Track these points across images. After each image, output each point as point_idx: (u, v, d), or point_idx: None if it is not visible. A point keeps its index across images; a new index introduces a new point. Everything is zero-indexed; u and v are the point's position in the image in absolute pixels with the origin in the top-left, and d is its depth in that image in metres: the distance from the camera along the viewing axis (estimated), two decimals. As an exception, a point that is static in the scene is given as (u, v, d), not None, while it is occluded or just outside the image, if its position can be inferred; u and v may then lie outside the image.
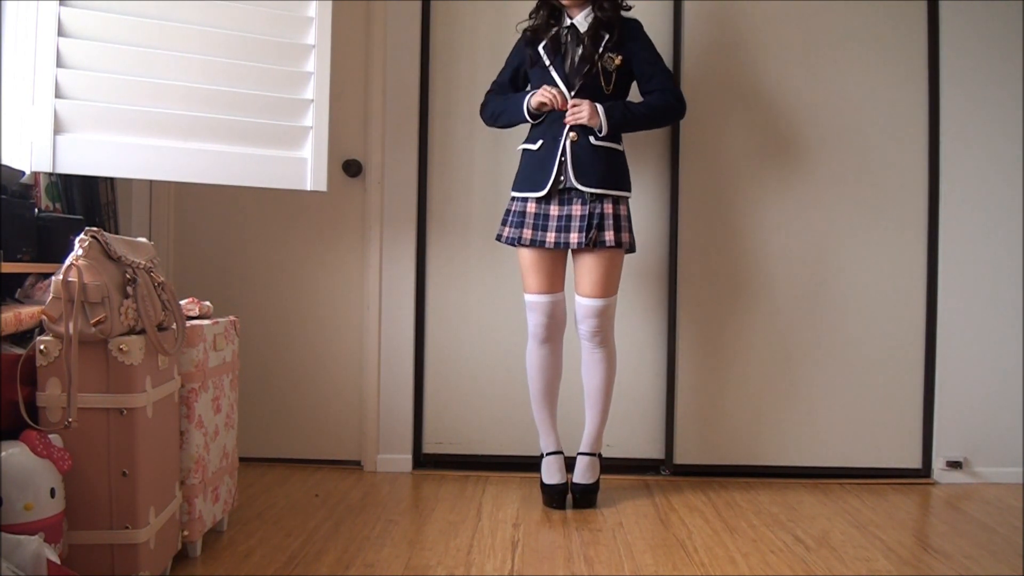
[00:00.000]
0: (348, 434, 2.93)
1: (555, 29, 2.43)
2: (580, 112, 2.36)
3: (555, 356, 2.51)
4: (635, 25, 2.48)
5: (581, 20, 2.43)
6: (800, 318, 2.85)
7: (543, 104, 2.39)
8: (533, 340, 2.50)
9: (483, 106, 2.61)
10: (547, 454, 2.53)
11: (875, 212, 2.85)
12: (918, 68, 2.85)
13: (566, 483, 2.50)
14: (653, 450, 2.88)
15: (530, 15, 2.48)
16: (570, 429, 2.61)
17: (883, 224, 2.85)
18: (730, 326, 2.86)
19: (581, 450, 2.53)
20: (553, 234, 2.41)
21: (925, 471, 2.85)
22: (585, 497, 2.48)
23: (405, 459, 2.87)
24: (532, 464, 2.72)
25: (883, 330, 2.85)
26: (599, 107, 2.37)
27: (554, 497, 2.47)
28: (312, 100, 2.36)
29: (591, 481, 2.50)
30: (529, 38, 2.47)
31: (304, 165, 2.36)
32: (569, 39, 2.42)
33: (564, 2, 2.42)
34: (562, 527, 2.31)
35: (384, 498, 2.56)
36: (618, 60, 2.41)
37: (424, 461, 2.91)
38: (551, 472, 2.50)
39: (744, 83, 2.85)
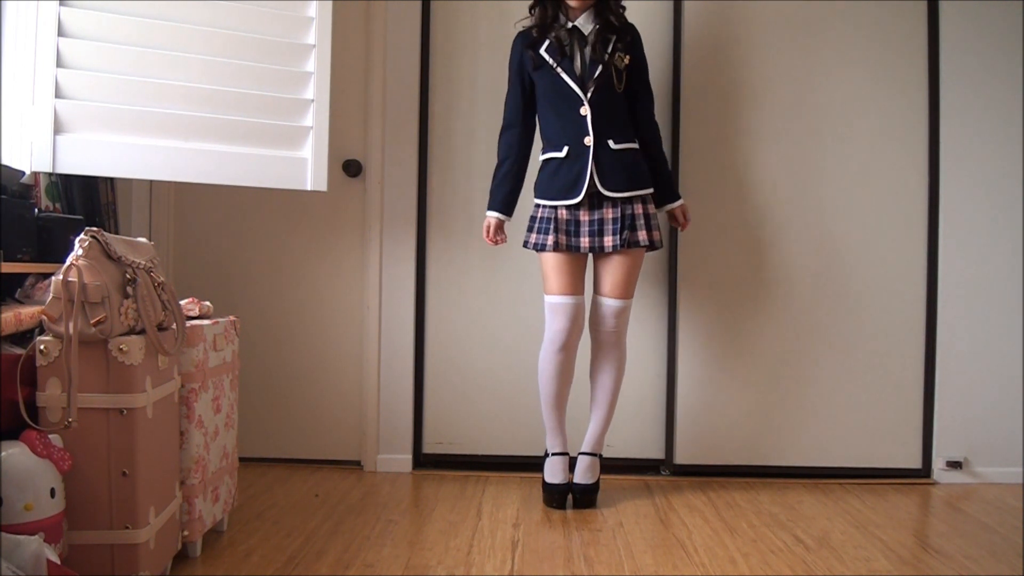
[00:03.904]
0: (348, 434, 2.93)
1: (556, 30, 2.41)
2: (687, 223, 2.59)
3: (570, 362, 2.47)
4: (636, 32, 2.48)
5: (583, 22, 2.41)
6: (800, 318, 2.85)
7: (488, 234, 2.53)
8: (551, 345, 2.45)
9: (500, 138, 2.54)
10: (552, 454, 2.52)
11: (875, 212, 2.85)
12: (918, 68, 2.85)
13: (568, 484, 2.50)
14: (653, 450, 2.88)
15: (530, 11, 2.47)
16: (570, 429, 2.61)
17: (883, 224, 2.85)
18: (730, 326, 2.86)
19: (582, 450, 2.53)
20: (587, 239, 2.40)
21: (925, 471, 2.85)
22: (585, 497, 2.48)
23: (405, 459, 2.87)
24: (532, 464, 2.73)
25: (883, 330, 2.85)
26: (679, 204, 2.56)
27: (555, 497, 2.47)
28: (312, 100, 2.36)
29: (591, 481, 2.50)
30: (530, 40, 2.44)
31: (304, 165, 2.36)
32: (572, 40, 2.41)
33: (572, 5, 2.39)
34: (562, 527, 2.31)
35: (384, 498, 2.56)
36: (627, 60, 2.41)
37: (424, 461, 2.91)
38: (554, 472, 2.50)
39: (744, 83, 2.85)
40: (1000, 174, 2.83)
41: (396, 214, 2.86)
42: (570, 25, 2.41)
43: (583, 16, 2.41)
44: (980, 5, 2.82)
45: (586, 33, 2.40)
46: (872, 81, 2.84)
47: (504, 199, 2.51)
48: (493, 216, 2.52)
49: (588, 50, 2.39)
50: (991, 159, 2.83)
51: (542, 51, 2.41)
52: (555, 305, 2.44)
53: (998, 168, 2.83)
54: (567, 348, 2.45)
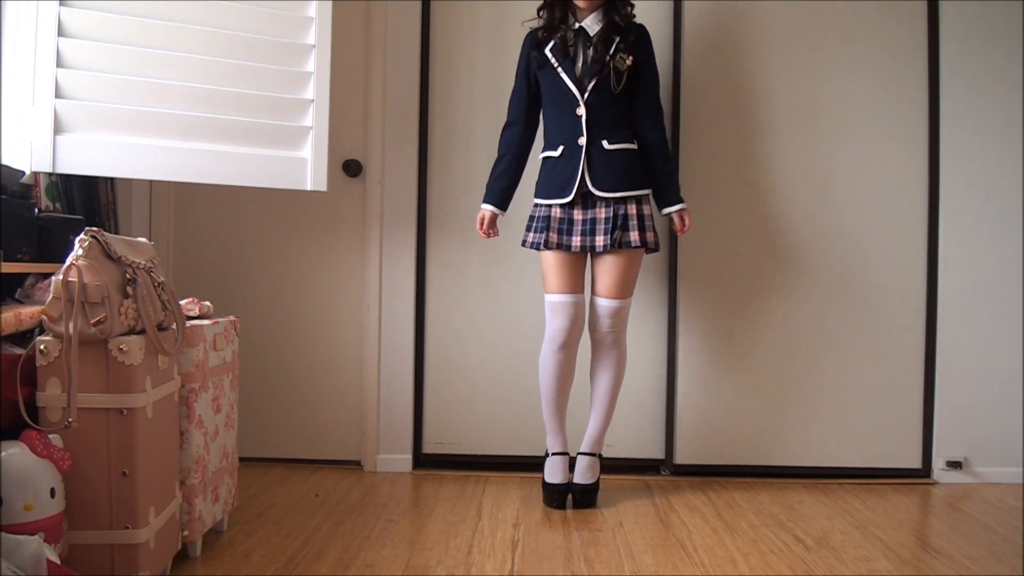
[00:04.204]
0: (348, 434, 2.93)
1: (563, 31, 2.41)
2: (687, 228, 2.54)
3: (570, 362, 2.47)
4: (644, 31, 2.47)
5: (590, 23, 2.41)
6: (800, 318, 2.85)
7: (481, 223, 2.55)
8: (551, 344, 2.46)
9: (501, 134, 2.56)
10: (552, 454, 2.52)
11: (875, 212, 2.85)
12: (918, 68, 2.85)
13: (568, 484, 2.49)
14: (653, 450, 2.88)
15: (538, 12, 2.47)
16: (570, 429, 2.61)
17: (883, 225, 2.85)
18: (730, 326, 2.85)
19: (582, 450, 2.53)
20: (578, 238, 2.41)
21: (925, 471, 2.85)
22: (585, 497, 2.48)
23: (405, 459, 2.87)
24: (532, 464, 2.73)
25: (883, 330, 2.85)
26: (682, 208, 2.49)
27: (555, 496, 2.47)
28: (312, 100, 2.36)
29: (591, 481, 2.50)
30: (536, 40, 2.45)
31: (304, 165, 2.36)
32: (577, 41, 2.41)
33: (580, 5, 2.39)
34: (562, 527, 2.31)
35: (384, 498, 2.56)
36: (629, 60, 2.40)
37: (424, 461, 2.91)
38: (555, 471, 2.50)
39: (744, 83, 2.85)
40: (1000, 174, 2.83)
41: (396, 214, 2.86)
42: (577, 26, 2.41)
43: (591, 17, 2.41)
44: (980, 5, 2.82)
45: (591, 34, 2.40)
46: (872, 81, 2.84)
47: (500, 193, 2.53)
48: (488, 209, 2.54)
49: (591, 51, 2.39)
50: (991, 159, 2.83)
51: (547, 51, 2.43)
52: (554, 304, 2.44)
53: (998, 168, 2.83)
54: (567, 347, 2.45)
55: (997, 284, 2.83)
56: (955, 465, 2.82)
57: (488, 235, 2.56)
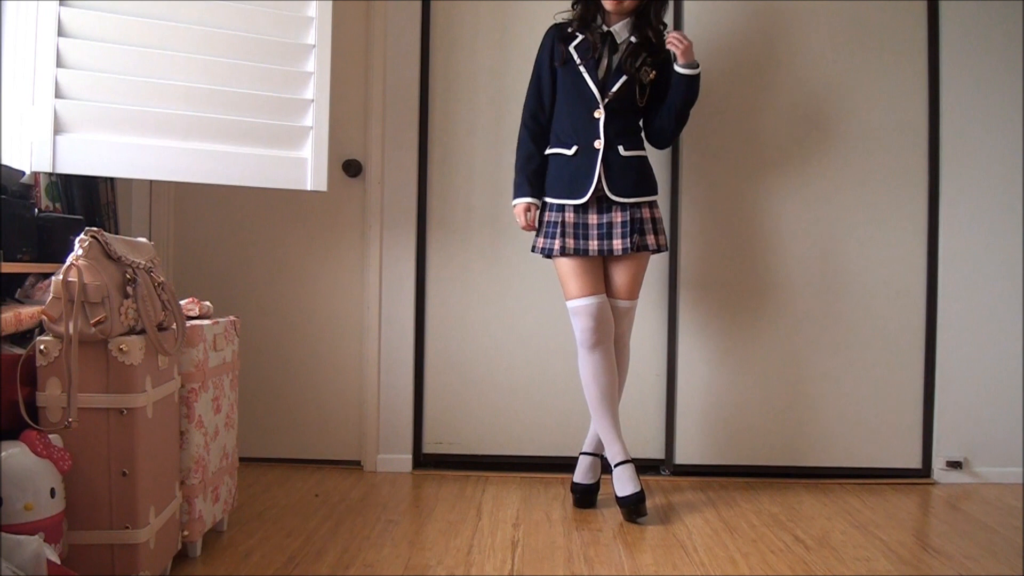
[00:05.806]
0: (348, 434, 2.93)
1: (592, 30, 2.39)
2: (685, 43, 2.35)
3: (607, 361, 2.40)
4: (670, 53, 2.44)
5: (619, 30, 2.39)
6: (800, 319, 2.85)
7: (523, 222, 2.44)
8: (582, 348, 2.41)
9: (525, 128, 2.48)
10: (615, 465, 2.38)
11: (875, 212, 2.85)
12: (918, 68, 2.85)
13: (641, 490, 2.36)
14: (653, 450, 2.88)
15: (573, 5, 2.45)
16: (571, 429, 2.61)
17: (883, 224, 2.85)
18: (730, 326, 2.86)
19: (584, 450, 2.52)
20: (596, 242, 2.38)
21: (925, 471, 2.85)
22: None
23: (405, 459, 2.87)
24: (532, 464, 2.73)
25: (883, 330, 2.85)
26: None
27: (631, 507, 2.33)
28: (312, 100, 2.36)
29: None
30: (562, 34, 2.42)
31: (304, 165, 2.36)
32: (604, 45, 2.39)
33: (608, 8, 2.37)
34: (562, 527, 2.31)
35: (384, 498, 2.56)
36: (652, 75, 2.39)
37: (424, 461, 2.91)
38: (624, 483, 2.36)
39: (744, 84, 2.85)
40: (1000, 174, 2.83)
41: (396, 214, 2.86)
42: (605, 29, 2.40)
43: (620, 24, 2.39)
44: (980, 5, 2.82)
45: (619, 41, 2.39)
46: (871, 81, 2.84)
47: (541, 187, 2.45)
48: (532, 202, 2.43)
49: (616, 58, 2.38)
50: (991, 159, 2.83)
51: (571, 47, 2.40)
52: (576, 308, 2.40)
53: (998, 168, 2.83)
54: (598, 346, 2.39)
55: (997, 284, 2.83)
56: (955, 465, 2.82)
57: (534, 229, 2.46)
